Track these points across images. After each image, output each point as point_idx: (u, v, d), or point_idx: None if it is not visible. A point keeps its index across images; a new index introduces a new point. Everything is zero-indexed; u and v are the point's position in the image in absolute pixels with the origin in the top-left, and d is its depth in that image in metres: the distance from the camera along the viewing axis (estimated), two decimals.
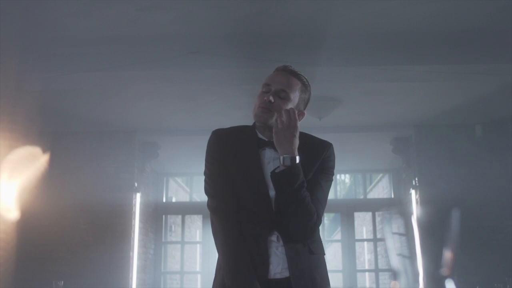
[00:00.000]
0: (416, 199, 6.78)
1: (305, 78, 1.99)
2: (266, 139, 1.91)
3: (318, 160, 1.92)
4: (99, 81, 5.54)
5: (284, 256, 1.81)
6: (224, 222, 1.85)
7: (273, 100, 1.88)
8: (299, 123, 1.87)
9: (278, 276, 1.80)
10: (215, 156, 1.93)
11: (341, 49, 5.07)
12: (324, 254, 1.93)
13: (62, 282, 4.15)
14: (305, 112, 1.98)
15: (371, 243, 8.51)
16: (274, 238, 1.83)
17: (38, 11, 4.42)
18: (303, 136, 1.94)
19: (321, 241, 1.93)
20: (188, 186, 9.61)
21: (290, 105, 1.89)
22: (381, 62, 5.17)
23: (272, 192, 1.84)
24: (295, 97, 1.92)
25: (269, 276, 1.80)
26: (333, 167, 1.97)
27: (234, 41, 4.94)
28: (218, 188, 1.89)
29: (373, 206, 8.24)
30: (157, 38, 4.89)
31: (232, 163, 1.90)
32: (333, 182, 2.03)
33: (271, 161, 1.88)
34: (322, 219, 1.89)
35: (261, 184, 1.85)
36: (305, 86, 1.97)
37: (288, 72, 1.95)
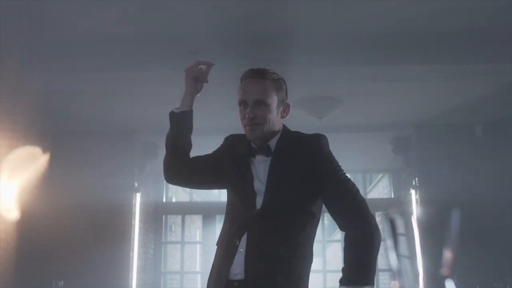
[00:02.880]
0: (416, 199, 6.77)
1: (274, 73, 1.92)
2: (256, 147, 1.92)
3: (309, 159, 1.88)
4: (99, 81, 5.53)
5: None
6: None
7: (254, 116, 1.85)
8: (284, 118, 1.94)
9: (238, 277, 1.76)
10: (216, 153, 2.05)
11: (341, 49, 5.06)
12: (305, 259, 1.83)
13: (62, 282, 4.14)
14: (289, 103, 1.96)
15: None
16: (245, 237, 1.80)
17: (38, 11, 4.42)
18: (290, 135, 1.94)
19: (307, 245, 1.85)
20: None
21: (272, 110, 1.87)
22: (381, 62, 5.16)
23: (259, 198, 1.83)
24: (273, 99, 1.87)
25: (229, 277, 1.77)
26: (328, 154, 1.92)
27: (234, 41, 4.94)
28: (202, 157, 2.05)
29: (373, 206, 8.18)
30: (157, 38, 4.89)
31: (228, 165, 1.97)
32: None
33: (261, 163, 1.89)
34: (365, 199, 2.02)
35: (248, 185, 1.87)
36: (277, 82, 1.91)
37: (255, 78, 1.90)
